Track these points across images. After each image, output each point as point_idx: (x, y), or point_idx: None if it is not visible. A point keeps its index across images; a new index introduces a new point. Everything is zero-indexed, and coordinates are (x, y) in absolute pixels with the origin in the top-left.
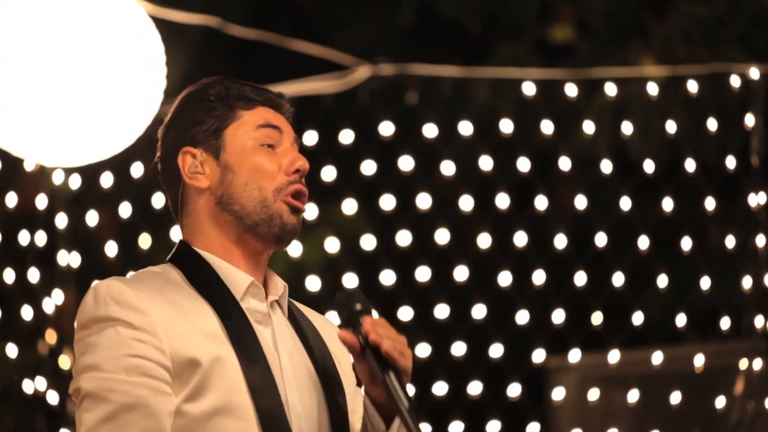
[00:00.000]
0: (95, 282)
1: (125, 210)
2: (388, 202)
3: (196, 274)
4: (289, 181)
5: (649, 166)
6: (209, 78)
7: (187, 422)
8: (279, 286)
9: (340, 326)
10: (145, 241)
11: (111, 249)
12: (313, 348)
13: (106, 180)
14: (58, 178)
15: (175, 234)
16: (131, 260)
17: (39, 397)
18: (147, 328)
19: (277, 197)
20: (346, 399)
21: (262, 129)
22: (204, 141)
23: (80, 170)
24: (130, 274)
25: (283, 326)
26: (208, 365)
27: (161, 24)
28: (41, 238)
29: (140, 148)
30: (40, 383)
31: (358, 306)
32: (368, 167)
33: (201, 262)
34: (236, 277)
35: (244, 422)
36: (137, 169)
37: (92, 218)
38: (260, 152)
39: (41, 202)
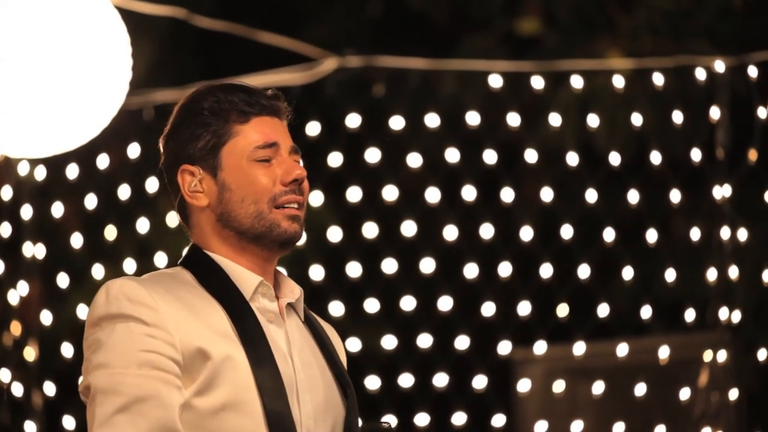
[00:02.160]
0: (108, 281)
1: (91, 202)
2: (354, 193)
3: (206, 275)
4: (283, 191)
5: (615, 159)
6: (203, 86)
7: (195, 416)
8: (295, 290)
9: None
10: (110, 232)
11: (76, 241)
12: (332, 353)
13: (72, 171)
14: (23, 170)
15: (142, 226)
16: (97, 252)
17: (3, 388)
18: (158, 324)
19: (272, 207)
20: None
21: (259, 150)
22: (202, 159)
23: (46, 161)
24: (97, 266)
25: (297, 329)
26: (219, 361)
27: (127, 15)
28: (6, 230)
29: (106, 140)
30: (4, 375)
31: None
32: (335, 159)
33: (211, 263)
34: (245, 277)
35: (251, 419)
36: (103, 161)
37: (58, 210)
38: (255, 167)
39: (6, 193)
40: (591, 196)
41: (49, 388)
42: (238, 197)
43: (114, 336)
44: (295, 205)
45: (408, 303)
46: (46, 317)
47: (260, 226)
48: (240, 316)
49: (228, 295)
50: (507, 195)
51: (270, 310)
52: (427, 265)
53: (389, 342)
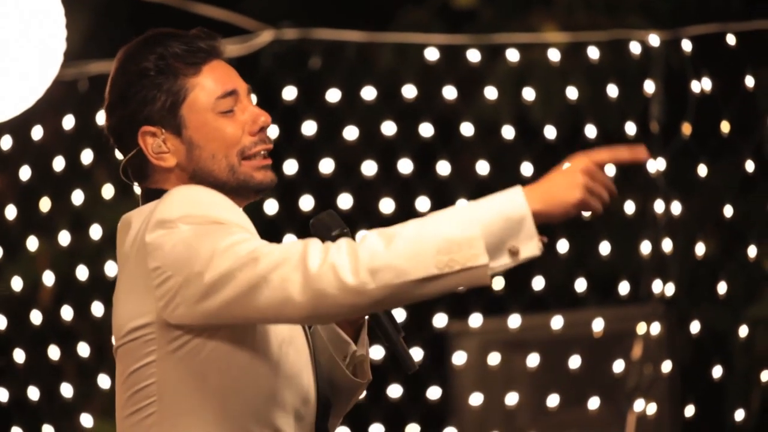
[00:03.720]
0: (175, 188)
1: (25, 173)
2: (290, 166)
3: None
4: (253, 142)
5: (550, 132)
6: (134, 45)
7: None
8: None
9: None
10: (45, 204)
11: (11, 212)
12: None
13: (6, 143)
14: None
15: (76, 197)
16: (31, 224)
17: None
18: (249, 228)
19: (241, 160)
20: None
21: (221, 101)
22: (162, 119)
23: None
24: (32, 238)
25: None
26: None
27: None
28: None
29: (40, 111)
30: None
31: (337, 231)
32: (271, 132)
33: None
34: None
35: (302, 357)
36: (37, 132)
37: None
38: (220, 120)
39: None
40: (526, 169)
41: None
42: (208, 154)
43: (209, 231)
44: (265, 153)
45: None
46: None
47: (235, 179)
48: None
49: None
50: (443, 168)
51: None
52: None
53: None
